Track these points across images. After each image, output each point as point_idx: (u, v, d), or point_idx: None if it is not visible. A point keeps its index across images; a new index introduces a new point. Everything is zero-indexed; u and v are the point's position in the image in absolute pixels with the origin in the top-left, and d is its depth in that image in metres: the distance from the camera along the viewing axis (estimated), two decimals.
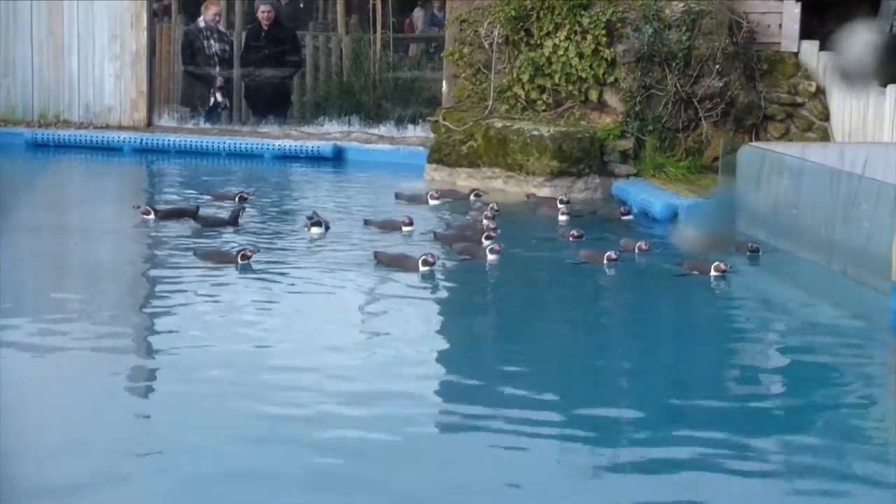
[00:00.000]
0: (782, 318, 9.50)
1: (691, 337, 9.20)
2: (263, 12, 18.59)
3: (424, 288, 9.99)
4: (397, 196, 13.59)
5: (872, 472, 6.54)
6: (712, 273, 10.33)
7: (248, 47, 18.79)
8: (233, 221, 12.05)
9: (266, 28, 18.58)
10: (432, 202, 13.38)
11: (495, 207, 12.56)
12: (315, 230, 11.71)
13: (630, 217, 12.99)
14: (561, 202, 13.04)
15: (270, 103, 18.67)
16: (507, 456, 6.59)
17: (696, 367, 8.41)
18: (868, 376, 8.44)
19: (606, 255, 10.71)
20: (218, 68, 18.74)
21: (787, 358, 8.83)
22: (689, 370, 8.30)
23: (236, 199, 13.17)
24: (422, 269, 10.24)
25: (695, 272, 10.42)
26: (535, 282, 10.67)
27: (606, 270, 10.67)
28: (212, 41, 18.76)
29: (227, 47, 18.91)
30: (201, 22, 18.76)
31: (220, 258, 10.56)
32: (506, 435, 6.83)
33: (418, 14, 24.64)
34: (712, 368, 8.42)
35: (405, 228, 11.79)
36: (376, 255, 10.61)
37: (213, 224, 11.99)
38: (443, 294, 10.05)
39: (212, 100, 18.77)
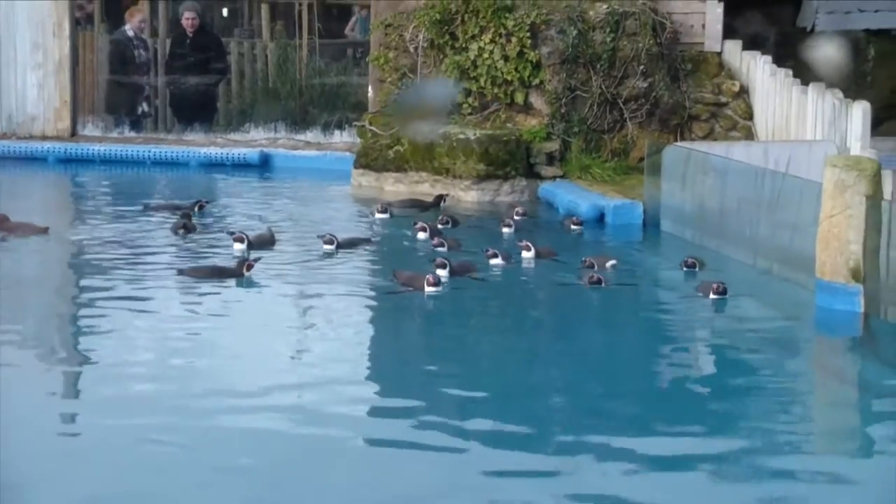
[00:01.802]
0: (709, 316, 9.51)
1: (618, 339, 9.22)
2: (188, 19, 18.46)
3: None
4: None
5: (795, 467, 6.57)
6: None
7: (173, 55, 18.65)
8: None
9: (191, 35, 18.44)
10: (379, 216, 12.92)
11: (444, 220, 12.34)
12: (327, 247, 11.26)
13: (580, 227, 12.57)
14: (516, 214, 12.79)
15: (196, 111, 18.52)
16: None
17: (620, 368, 8.42)
18: (793, 373, 8.49)
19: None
20: (146, 77, 18.61)
21: (713, 355, 8.86)
22: (614, 374, 8.29)
23: (196, 207, 13.05)
24: (427, 289, 9.74)
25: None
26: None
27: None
28: (140, 50, 18.61)
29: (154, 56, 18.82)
30: (129, 30, 18.59)
31: (220, 274, 10.24)
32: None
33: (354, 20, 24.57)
34: (639, 365, 8.42)
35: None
36: (395, 273, 10.14)
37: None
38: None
39: (140, 109, 18.60)
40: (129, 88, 18.59)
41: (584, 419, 7.27)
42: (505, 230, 12.25)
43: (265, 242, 11.34)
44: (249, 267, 10.18)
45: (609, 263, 10.69)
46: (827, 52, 14.75)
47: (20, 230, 11.87)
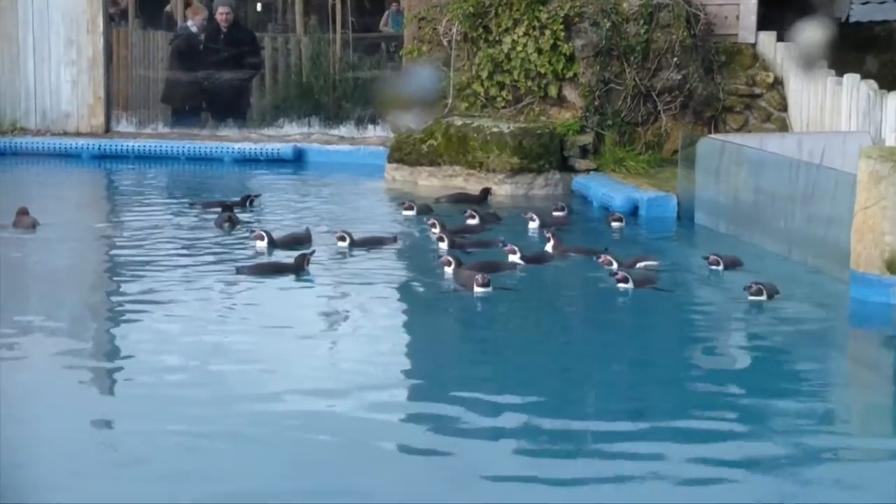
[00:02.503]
0: (743, 308, 9.46)
1: (654, 329, 9.18)
2: (222, 13, 18.45)
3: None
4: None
5: (830, 459, 6.54)
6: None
7: (207, 49, 18.65)
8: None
9: (225, 30, 18.45)
10: (406, 213, 12.73)
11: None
12: (341, 244, 11.21)
13: (621, 223, 12.29)
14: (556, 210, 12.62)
15: (230, 106, 18.52)
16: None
17: (658, 360, 8.38)
18: (827, 365, 8.45)
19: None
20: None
21: (748, 348, 8.80)
22: (652, 362, 8.26)
23: (247, 202, 13.14)
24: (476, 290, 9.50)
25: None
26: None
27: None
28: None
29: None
30: (193, 27, 18.55)
31: (280, 270, 10.19)
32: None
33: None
34: (675, 361, 8.39)
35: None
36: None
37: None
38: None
39: (203, 104, 18.58)
40: (195, 85, 18.51)
41: (618, 413, 7.26)
42: (531, 225, 12.06)
43: (300, 241, 11.24)
44: (308, 261, 10.16)
45: (643, 264, 10.46)
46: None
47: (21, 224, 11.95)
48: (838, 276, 9.81)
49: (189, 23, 18.71)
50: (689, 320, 9.35)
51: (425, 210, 12.63)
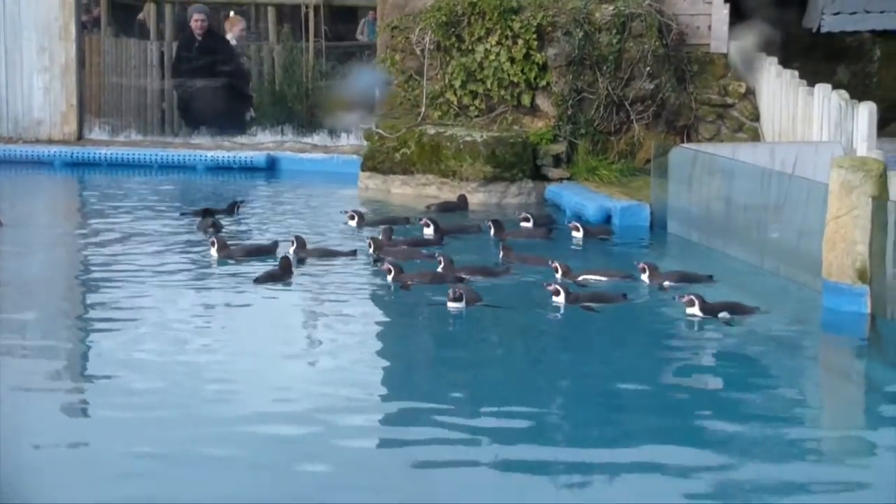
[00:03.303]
0: (713, 321, 9.50)
1: (626, 341, 9.20)
2: (196, 21, 18.39)
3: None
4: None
5: (801, 469, 6.59)
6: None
7: (180, 58, 18.60)
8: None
9: (199, 37, 18.38)
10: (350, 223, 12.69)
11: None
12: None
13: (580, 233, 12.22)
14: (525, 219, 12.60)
15: (205, 114, 18.44)
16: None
17: (630, 370, 8.41)
18: (800, 374, 8.50)
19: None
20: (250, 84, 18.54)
21: (720, 357, 8.84)
22: (624, 376, 8.29)
23: (234, 208, 13.23)
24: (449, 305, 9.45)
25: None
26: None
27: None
28: (243, 58, 18.49)
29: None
30: (232, 39, 18.41)
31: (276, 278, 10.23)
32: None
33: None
34: (646, 370, 8.42)
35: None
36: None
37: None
38: None
39: (248, 115, 18.48)
40: (236, 96, 18.40)
41: (591, 428, 7.29)
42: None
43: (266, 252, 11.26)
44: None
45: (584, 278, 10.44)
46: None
47: None
48: (810, 286, 9.87)
49: (228, 35, 18.54)
50: (657, 333, 9.36)
51: (370, 223, 12.65)
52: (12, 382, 7.79)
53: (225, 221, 12.63)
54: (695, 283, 10.23)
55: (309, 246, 11.28)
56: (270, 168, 16.68)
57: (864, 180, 9.26)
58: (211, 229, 12.13)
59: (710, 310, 9.31)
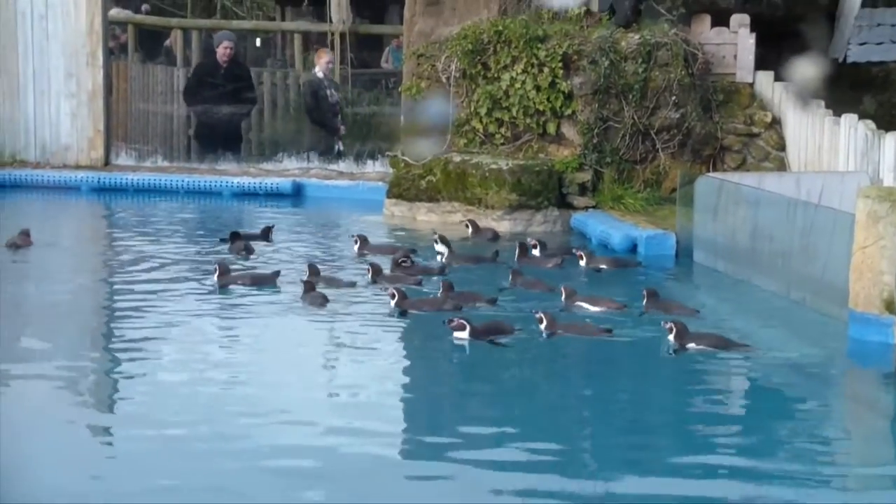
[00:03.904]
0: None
1: (651, 369, 9.17)
2: (226, 48, 18.42)
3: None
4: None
5: (828, 501, 6.57)
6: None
7: (203, 83, 18.60)
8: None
9: (225, 65, 18.42)
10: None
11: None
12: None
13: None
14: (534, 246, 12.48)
15: (225, 140, 18.47)
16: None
17: (655, 400, 8.40)
18: (826, 405, 8.47)
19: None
20: (338, 117, 18.60)
21: (747, 387, 8.83)
22: (649, 404, 8.28)
23: (267, 232, 13.35)
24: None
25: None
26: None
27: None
28: (331, 90, 18.54)
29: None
30: (319, 72, 18.46)
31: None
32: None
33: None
34: (672, 402, 8.41)
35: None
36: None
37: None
38: None
39: (336, 147, 18.53)
40: (324, 128, 18.44)
41: (614, 455, 7.28)
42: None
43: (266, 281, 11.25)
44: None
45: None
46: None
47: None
48: (836, 316, 9.84)
49: (316, 68, 18.57)
50: (676, 363, 9.31)
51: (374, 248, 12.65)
52: (34, 408, 7.81)
53: (260, 246, 12.75)
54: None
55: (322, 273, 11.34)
56: (296, 194, 16.73)
57: (891, 210, 9.24)
58: (244, 252, 12.36)
59: (686, 340, 9.28)
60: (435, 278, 11.21)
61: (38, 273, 11.83)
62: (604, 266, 12.02)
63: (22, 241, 12.69)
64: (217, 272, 11.15)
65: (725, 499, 6.52)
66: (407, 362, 9.23)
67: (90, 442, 7.41)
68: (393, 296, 10.19)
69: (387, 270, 11.40)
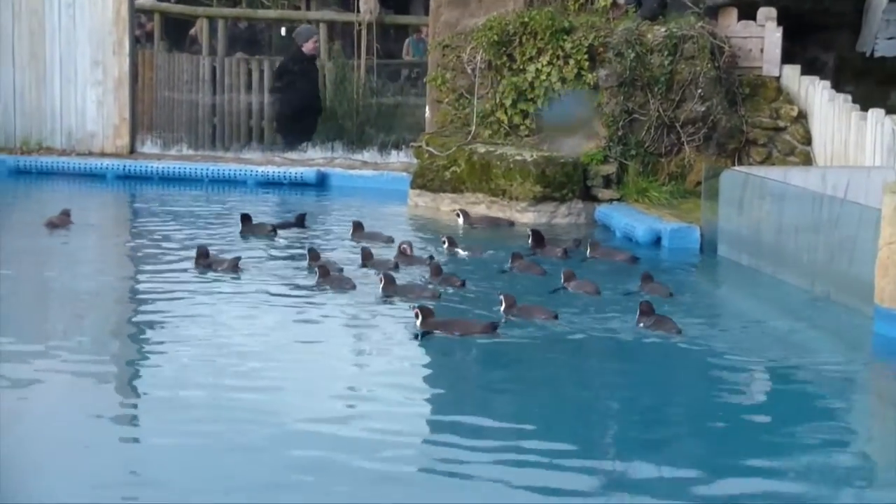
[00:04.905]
0: (766, 342, 9.46)
1: (676, 362, 9.15)
2: (316, 42, 18.75)
3: None
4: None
5: (851, 499, 6.56)
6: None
7: (296, 74, 18.76)
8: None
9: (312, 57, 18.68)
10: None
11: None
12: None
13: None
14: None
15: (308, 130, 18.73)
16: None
17: (679, 394, 8.39)
18: (850, 401, 8.45)
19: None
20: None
21: (771, 382, 8.81)
22: (672, 399, 8.28)
23: (301, 220, 13.62)
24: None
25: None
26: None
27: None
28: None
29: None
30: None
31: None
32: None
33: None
34: (695, 396, 8.40)
35: None
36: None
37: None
38: None
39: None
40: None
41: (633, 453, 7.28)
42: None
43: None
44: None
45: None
46: None
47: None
48: (862, 311, 9.81)
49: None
50: (699, 357, 9.30)
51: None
52: (60, 401, 7.82)
53: (292, 233, 13.09)
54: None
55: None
56: (320, 184, 16.75)
57: None
58: (272, 233, 12.84)
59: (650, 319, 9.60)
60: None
61: (65, 260, 11.88)
62: (597, 256, 12.13)
63: (60, 221, 13.15)
64: (196, 255, 11.42)
65: (745, 495, 6.50)
66: (427, 358, 9.20)
67: (119, 433, 7.39)
68: (417, 315, 9.60)
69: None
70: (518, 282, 11.11)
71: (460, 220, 13.81)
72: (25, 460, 6.74)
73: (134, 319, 9.81)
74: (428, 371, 8.80)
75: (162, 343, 9.02)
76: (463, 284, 10.79)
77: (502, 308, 9.89)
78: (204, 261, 11.31)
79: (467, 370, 8.89)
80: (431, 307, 9.69)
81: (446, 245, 12.35)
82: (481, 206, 14.43)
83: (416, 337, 9.30)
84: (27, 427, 7.26)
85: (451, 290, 10.61)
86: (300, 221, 13.56)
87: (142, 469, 6.71)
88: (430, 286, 10.66)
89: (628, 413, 7.99)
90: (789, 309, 10.38)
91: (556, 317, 9.73)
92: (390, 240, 12.60)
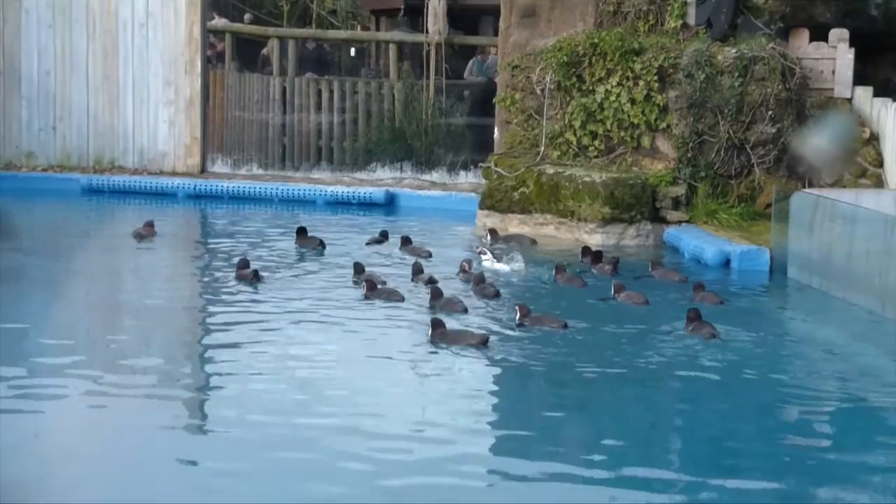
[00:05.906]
0: (836, 365, 9.39)
1: (743, 383, 9.09)
2: None
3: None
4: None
5: None
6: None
7: None
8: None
9: None
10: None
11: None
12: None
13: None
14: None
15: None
16: None
17: (746, 414, 8.34)
18: None
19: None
20: None
21: (836, 405, 8.72)
22: (738, 419, 8.23)
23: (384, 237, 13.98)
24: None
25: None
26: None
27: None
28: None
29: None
30: None
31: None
32: None
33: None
34: (763, 416, 8.35)
35: None
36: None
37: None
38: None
39: None
40: None
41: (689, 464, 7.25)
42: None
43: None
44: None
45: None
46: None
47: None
48: None
49: None
50: (780, 371, 9.25)
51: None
52: (124, 422, 7.81)
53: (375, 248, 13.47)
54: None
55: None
56: (389, 204, 16.82)
57: None
58: (320, 247, 13.17)
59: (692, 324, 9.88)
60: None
61: (135, 276, 12.01)
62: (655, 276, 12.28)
63: (146, 232, 13.73)
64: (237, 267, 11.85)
65: None
66: (489, 374, 9.20)
67: (182, 452, 7.39)
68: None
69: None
70: (562, 293, 11.35)
71: (488, 238, 13.99)
72: (94, 475, 6.80)
73: (203, 341, 9.89)
74: (494, 397, 8.80)
75: (234, 362, 9.07)
76: (497, 295, 11.08)
77: (517, 317, 10.15)
78: (240, 272, 11.70)
79: (535, 390, 8.88)
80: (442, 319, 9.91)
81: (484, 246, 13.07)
82: (549, 227, 14.44)
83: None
84: (98, 443, 7.33)
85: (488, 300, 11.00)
86: (384, 237, 13.83)
87: (206, 488, 6.75)
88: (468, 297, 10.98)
89: (697, 438, 7.94)
90: (859, 332, 10.30)
91: (565, 326, 10.02)
92: (429, 255, 12.95)
